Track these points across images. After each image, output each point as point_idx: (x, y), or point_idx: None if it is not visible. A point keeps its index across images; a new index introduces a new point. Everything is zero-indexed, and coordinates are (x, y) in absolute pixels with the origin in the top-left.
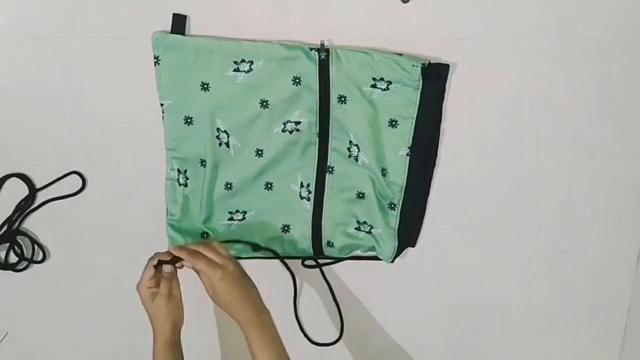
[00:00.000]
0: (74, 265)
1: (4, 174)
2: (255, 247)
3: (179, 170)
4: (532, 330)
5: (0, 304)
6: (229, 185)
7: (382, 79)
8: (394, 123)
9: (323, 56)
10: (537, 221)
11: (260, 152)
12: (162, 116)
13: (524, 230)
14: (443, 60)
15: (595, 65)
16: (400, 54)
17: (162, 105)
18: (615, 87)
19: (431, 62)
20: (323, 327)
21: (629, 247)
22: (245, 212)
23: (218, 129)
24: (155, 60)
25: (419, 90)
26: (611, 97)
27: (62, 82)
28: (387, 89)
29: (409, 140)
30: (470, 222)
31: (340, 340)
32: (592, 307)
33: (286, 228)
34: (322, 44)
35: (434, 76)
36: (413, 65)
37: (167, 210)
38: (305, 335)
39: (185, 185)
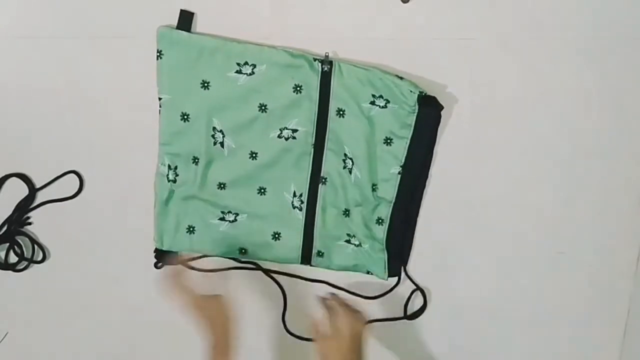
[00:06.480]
0: (74, 265)
1: (4, 174)
2: (243, 251)
3: (169, 166)
4: (532, 330)
5: (0, 304)
6: (222, 185)
7: (381, 96)
8: (389, 141)
9: (326, 68)
10: (537, 221)
11: (254, 155)
12: (159, 110)
13: (524, 230)
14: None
15: (595, 66)
16: (401, 78)
17: (160, 99)
18: (615, 87)
19: (427, 94)
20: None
21: (629, 247)
22: (237, 214)
23: (214, 128)
24: (158, 54)
25: (415, 114)
26: (611, 97)
27: (62, 82)
28: (385, 107)
29: (401, 159)
30: (470, 222)
31: None
32: (592, 307)
33: (277, 235)
34: (327, 56)
35: (430, 104)
36: (411, 92)
37: (154, 205)
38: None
39: (174, 181)
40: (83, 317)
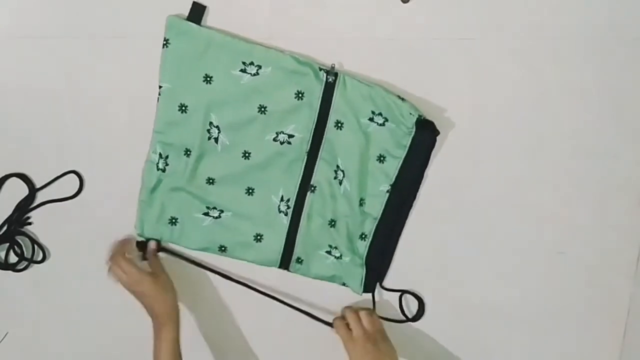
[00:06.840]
0: (74, 265)
1: (4, 174)
2: (222, 249)
3: (160, 155)
4: (533, 330)
5: (0, 304)
6: (211, 181)
7: (380, 114)
8: (382, 158)
9: (331, 79)
10: (537, 221)
11: (247, 155)
12: (158, 98)
13: (524, 230)
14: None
15: (595, 65)
16: (403, 99)
17: (160, 87)
18: (615, 87)
19: (426, 118)
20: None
21: (629, 247)
22: (222, 211)
23: (211, 123)
24: (165, 42)
25: (411, 136)
26: (611, 97)
27: (62, 82)
28: (383, 124)
29: (392, 178)
30: (469, 222)
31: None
32: (592, 307)
33: (259, 237)
34: (333, 67)
35: (428, 128)
36: (410, 114)
37: (140, 192)
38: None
39: (163, 170)
40: (83, 317)
